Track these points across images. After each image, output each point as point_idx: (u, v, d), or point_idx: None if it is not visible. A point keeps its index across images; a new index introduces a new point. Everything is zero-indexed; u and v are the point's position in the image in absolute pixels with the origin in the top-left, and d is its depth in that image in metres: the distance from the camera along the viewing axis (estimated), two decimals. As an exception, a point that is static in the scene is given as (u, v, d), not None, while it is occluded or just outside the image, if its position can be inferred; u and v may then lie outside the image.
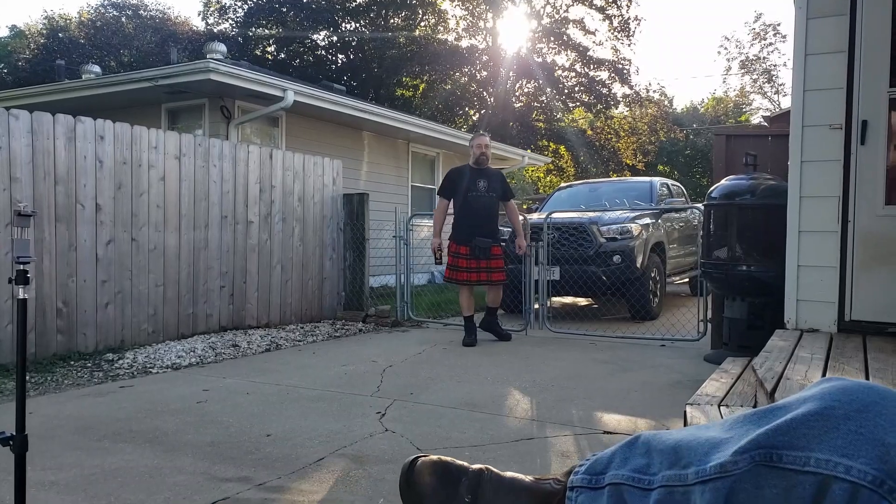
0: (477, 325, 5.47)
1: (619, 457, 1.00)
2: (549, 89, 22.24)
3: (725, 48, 35.79)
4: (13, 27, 27.10)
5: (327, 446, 2.70)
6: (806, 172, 3.66)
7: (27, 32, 24.97)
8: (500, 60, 21.97)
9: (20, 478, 1.58)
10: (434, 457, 1.20)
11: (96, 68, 11.65)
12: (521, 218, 5.95)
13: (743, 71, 34.09)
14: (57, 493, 2.20)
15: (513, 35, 27.06)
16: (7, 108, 4.34)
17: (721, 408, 2.64)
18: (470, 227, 5.27)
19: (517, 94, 23.27)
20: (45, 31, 23.78)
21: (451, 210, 5.54)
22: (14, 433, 1.56)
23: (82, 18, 24.31)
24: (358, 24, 22.16)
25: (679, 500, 0.88)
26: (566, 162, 24.75)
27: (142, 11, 24.09)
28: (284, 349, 5.20)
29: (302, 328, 6.09)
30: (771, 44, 33.03)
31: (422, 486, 1.15)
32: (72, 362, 4.42)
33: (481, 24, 23.15)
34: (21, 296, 1.47)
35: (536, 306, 6.22)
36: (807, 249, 3.66)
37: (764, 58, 33.27)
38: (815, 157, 3.63)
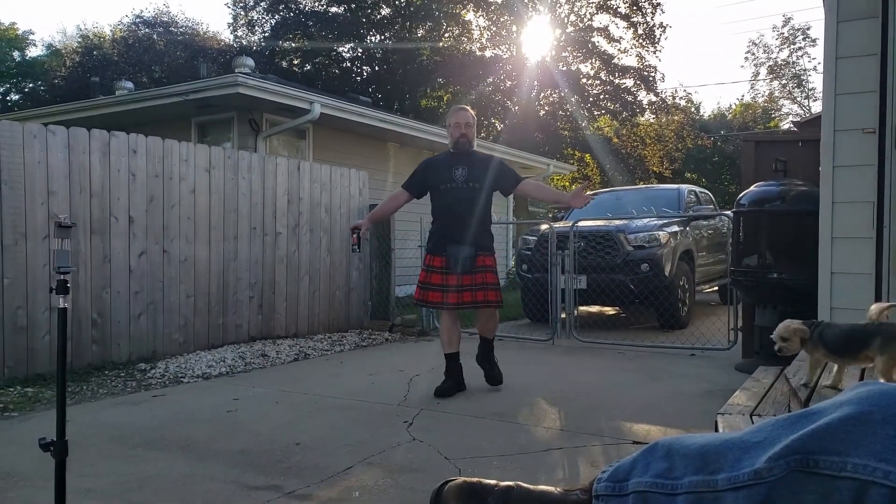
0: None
1: (641, 463, 0.99)
2: (574, 98, 22.18)
3: (753, 53, 35.29)
4: (50, 46, 27.98)
5: (355, 455, 2.72)
6: (838, 178, 3.59)
7: (63, 51, 25.73)
8: (524, 70, 21.99)
9: (60, 483, 1.61)
10: (460, 480, 1.21)
11: (129, 84, 11.96)
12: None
13: (771, 76, 33.61)
14: (94, 500, 2.24)
15: (537, 44, 27.06)
16: (45, 125, 4.47)
17: (753, 417, 2.59)
18: (443, 230, 3.94)
19: (542, 102, 23.25)
20: (79, 49, 24.47)
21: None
22: (55, 439, 1.60)
23: (115, 36, 24.97)
24: (383, 37, 22.39)
25: None
26: (592, 170, 24.61)
27: (172, 28, 24.65)
28: (312, 359, 5.24)
29: (329, 338, 6.13)
30: (800, 48, 32.51)
31: None
32: (106, 372, 4.51)
33: (505, 33, 23.21)
34: (61, 305, 1.52)
35: (563, 315, 6.18)
36: (840, 256, 3.59)
37: (793, 62, 32.79)
38: (847, 162, 3.56)
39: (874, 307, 2.41)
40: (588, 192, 3.94)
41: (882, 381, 2.19)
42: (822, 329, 2.38)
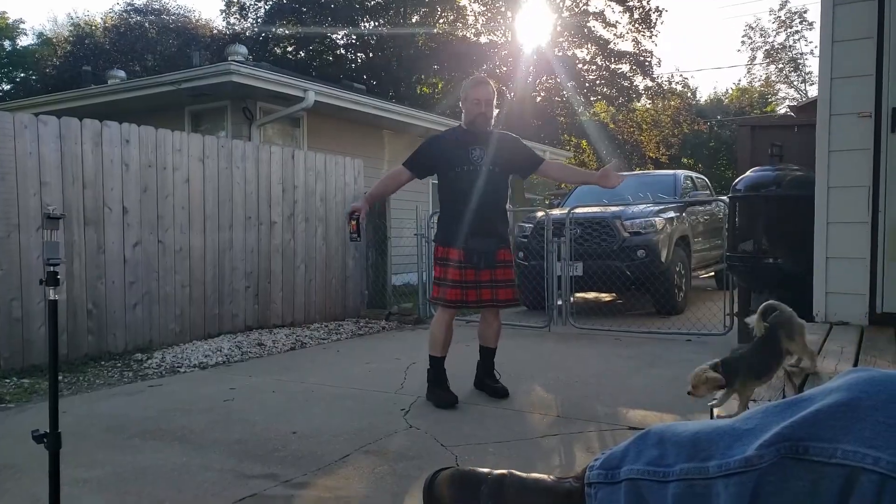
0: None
1: (633, 451, 0.99)
2: (570, 83, 22.09)
3: (750, 37, 35.18)
4: (41, 35, 27.71)
5: (352, 443, 2.72)
6: (834, 162, 3.58)
7: (54, 40, 25.49)
8: (519, 55, 21.88)
9: (54, 475, 1.61)
10: (452, 468, 1.21)
11: (121, 73, 11.86)
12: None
13: (768, 60, 33.49)
14: (90, 491, 2.24)
15: (532, 29, 26.92)
16: (36, 115, 4.43)
17: (749, 403, 2.59)
18: (460, 219, 3.44)
19: (538, 88, 23.15)
20: (71, 38, 24.25)
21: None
22: (48, 431, 1.60)
23: (106, 24, 24.73)
24: (377, 23, 22.23)
25: (700, 493, 0.87)
26: (588, 156, 24.58)
27: (164, 15, 24.43)
28: (309, 348, 5.24)
29: (326, 327, 6.13)
30: (797, 31, 32.36)
31: (443, 498, 1.18)
32: (102, 362, 4.51)
33: (500, 19, 23.06)
34: (52, 297, 1.51)
35: (559, 302, 6.19)
36: (835, 241, 3.59)
37: (790, 46, 32.65)
38: (843, 147, 3.55)
39: (754, 318, 2.35)
40: (620, 173, 3.56)
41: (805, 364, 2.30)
42: (737, 359, 2.22)
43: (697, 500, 0.87)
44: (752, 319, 2.35)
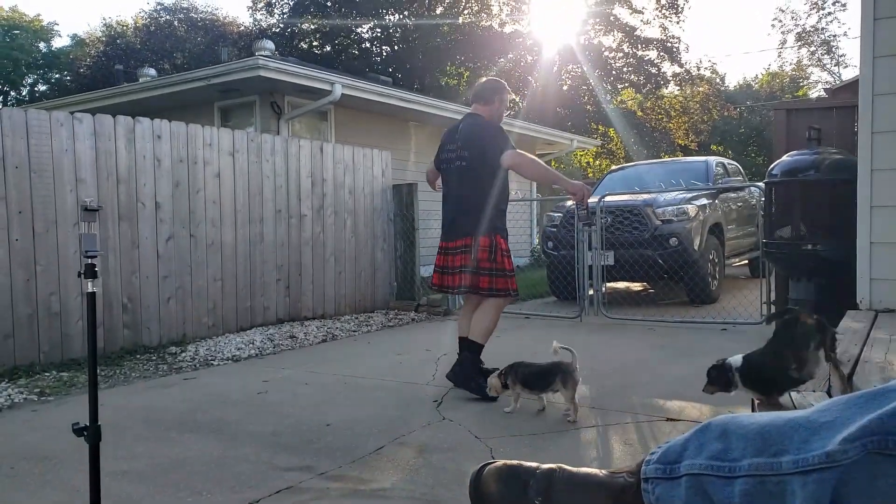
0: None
1: (694, 444, 0.93)
2: (596, 71, 21.79)
3: (780, 20, 34.26)
4: (74, 36, 28.27)
5: (386, 435, 2.71)
6: (878, 144, 3.46)
7: (87, 41, 25.98)
8: (544, 44, 21.65)
9: (94, 466, 1.63)
10: (500, 462, 1.17)
11: (152, 71, 12.01)
12: None
13: (800, 43, 32.60)
14: (129, 482, 2.27)
15: (558, 18, 26.61)
16: (71, 113, 4.50)
17: (791, 393, 2.52)
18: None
19: (564, 77, 22.89)
20: (104, 39, 24.68)
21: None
22: (88, 424, 1.61)
23: (137, 23, 25.12)
24: (401, 15, 22.18)
25: (772, 491, 0.81)
26: (616, 145, 24.26)
27: (192, 14, 24.70)
28: (340, 339, 5.26)
29: (356, 318, 6.15)
30: (830, 13, 31.47)
31: (490, 494, 1.14)
32: (138, 356, 4.58)
33: (525, 7, 22.84)
34: (90, 289, 1.52)
35: (591, 292, 6.11)
36: (880, 225, 3.47)
37: (822, 28, 31.73)
38: (887, 128, 3.43)
39: (554, 345, 2.98)
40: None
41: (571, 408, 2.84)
42: (516, 369, 2.97)
43: (769, 498, 0.81)
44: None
